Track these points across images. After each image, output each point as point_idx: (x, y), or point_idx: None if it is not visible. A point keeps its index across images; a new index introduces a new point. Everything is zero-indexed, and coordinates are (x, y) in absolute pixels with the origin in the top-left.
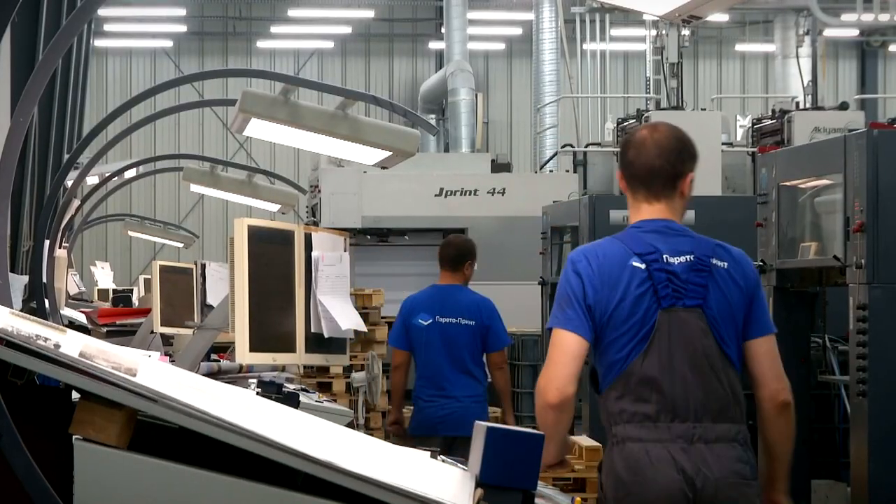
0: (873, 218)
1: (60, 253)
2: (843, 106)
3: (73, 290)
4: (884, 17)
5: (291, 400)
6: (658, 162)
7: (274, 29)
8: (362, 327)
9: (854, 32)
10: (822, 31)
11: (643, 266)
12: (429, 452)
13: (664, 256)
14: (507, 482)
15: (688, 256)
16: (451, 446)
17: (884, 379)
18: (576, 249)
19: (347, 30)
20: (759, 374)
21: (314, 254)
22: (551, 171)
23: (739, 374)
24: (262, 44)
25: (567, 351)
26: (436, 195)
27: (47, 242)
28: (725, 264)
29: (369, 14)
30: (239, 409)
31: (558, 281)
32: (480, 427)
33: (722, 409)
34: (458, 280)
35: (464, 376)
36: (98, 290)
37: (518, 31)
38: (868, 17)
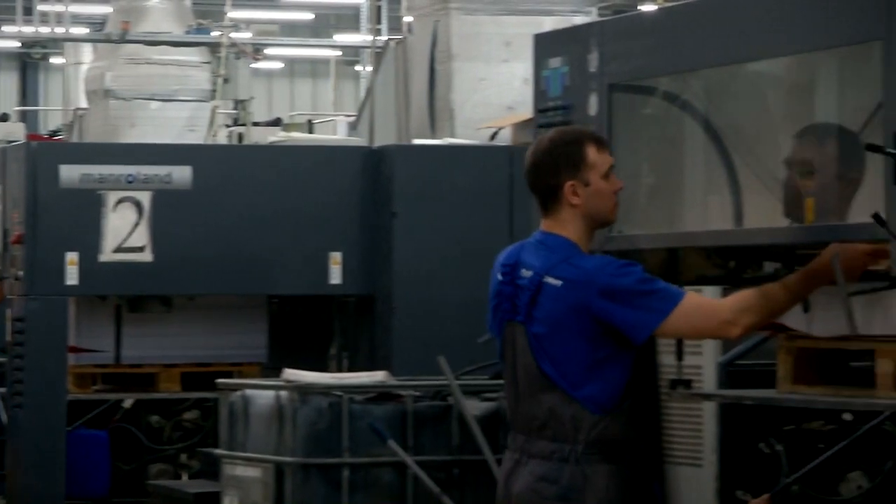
0: (32, 230)
1: None
2: (4, 118)
3: None
4: (45, 30)
5: None
6: (527, 178)
7: None
8: None
9: (16, 44)
10: None
11: (500, 277)
12: None
13: (522, 270)
14: None
15: (532, 272)
16: None
17: (38, 391)
18: None
19: None
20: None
21: None
22: None
23: (569, 391)
24: None
25: None
26: None
27: None
28: (560, 283)
29: None
30: None
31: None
32: None
33: (541, 426)
34: None
35: None
36: None
37: None
38: (29, 30)
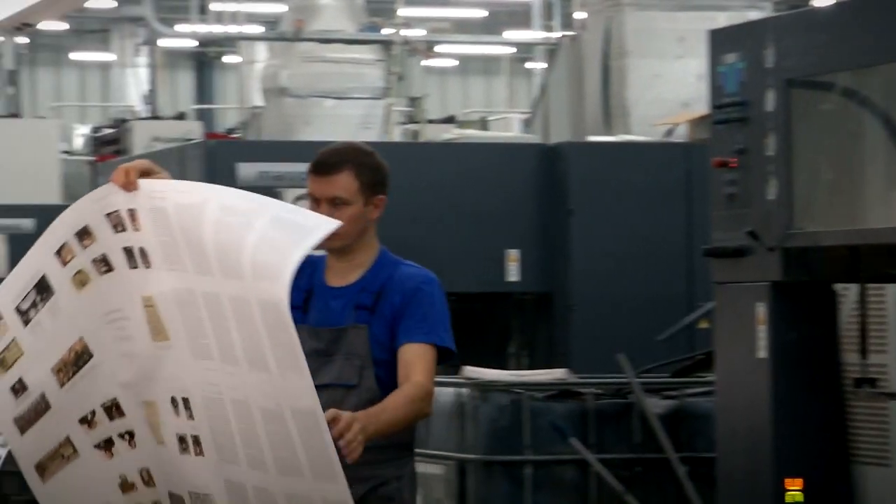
0: None
1: None
2: (181, 116)
3: None
4: (219, 29)
5: None
6: None
7: None
8: None
9: (191, 43)
10: (159, 41)
11: None
12: None
13: None
14: None
15: None
16: None
17: None
18: (433, 274)
19: None
20: None
21: None
22: None
23: None
24: None
25: None
26: None
27: None
28: None
29: None
30: None
31: (432, 297)
32: None
33: None
34: None
35: None
36: None
37: None
38: (204, 29)
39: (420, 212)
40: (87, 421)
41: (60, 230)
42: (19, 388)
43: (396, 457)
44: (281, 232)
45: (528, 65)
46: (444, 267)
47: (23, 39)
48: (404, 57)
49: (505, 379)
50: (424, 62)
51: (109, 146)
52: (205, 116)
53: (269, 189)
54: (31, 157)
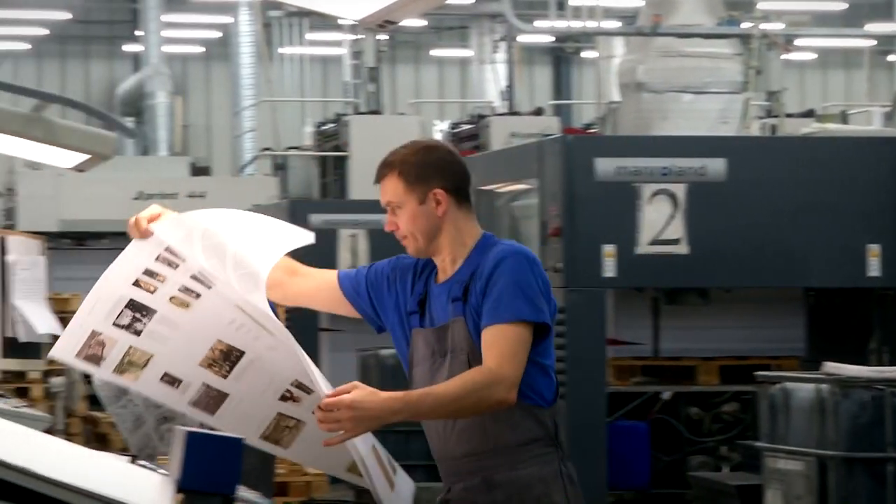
0: (569, 222)
1: None
2: (539, 111)
3: None
4: (577, 24)
5: None
6: None
7: None
8: (59, 331)
9: (549, 39)
10: (517, 37)
11: None
12: (129, 458)
13: None
14: (206, 487)
15: None
16: None
17: (580, 382)
18: (521, 246)
19: (43, 31)
20: None
21: (9, 258)
22: (251, 174)
23: None
24: None
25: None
26: (134, 198)
27: None
28: None
29: (66, 16)
30: None
31: (509, 270)
32: (180, 431)
33: None
34: None
35: None
36: None
37: (217, 34)
38: (561, 24)
39: (779, 206)
40: (289, 398)
41: (126, 271)
42: (172, 381)
43: (536, 454)
44: (262, 240)
45: (889, 57)
46: (803, 262)
47: (383, 37)
48: (763, 51)
49: (866, 375)
50: (783, 56)
51: (468, 142)
52: (562, 112)
53: (626, 184)
54: None
